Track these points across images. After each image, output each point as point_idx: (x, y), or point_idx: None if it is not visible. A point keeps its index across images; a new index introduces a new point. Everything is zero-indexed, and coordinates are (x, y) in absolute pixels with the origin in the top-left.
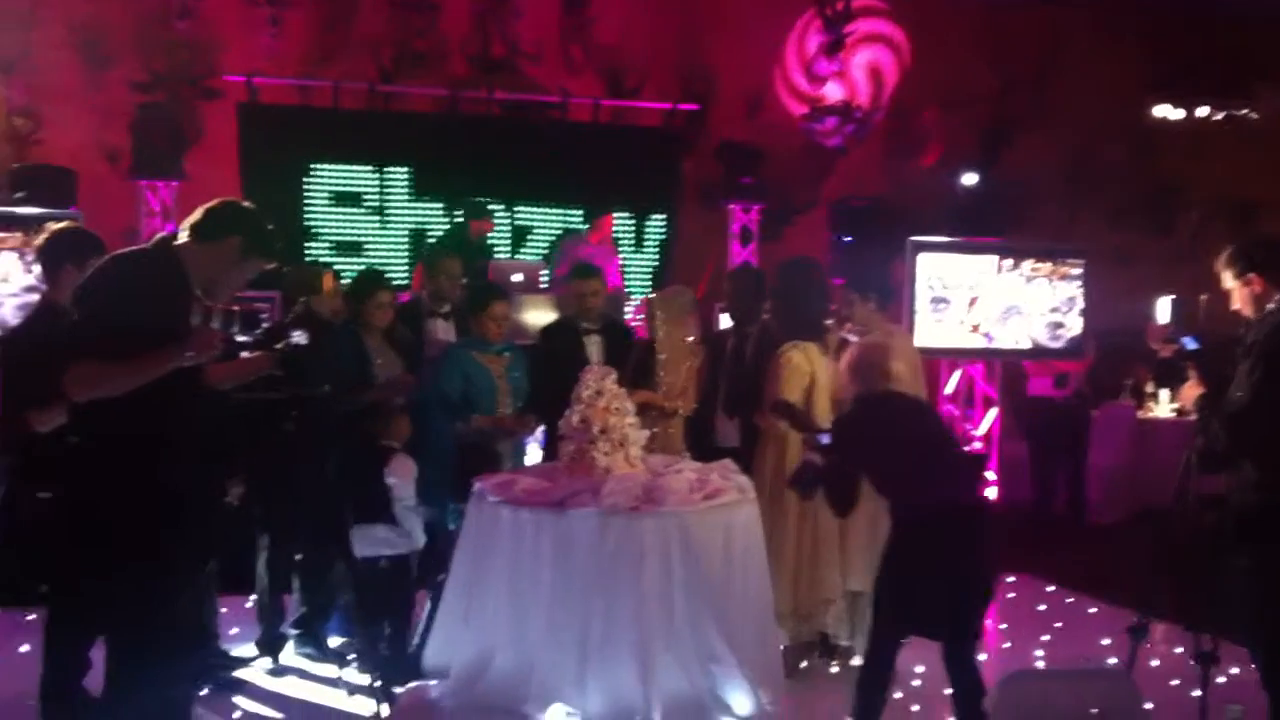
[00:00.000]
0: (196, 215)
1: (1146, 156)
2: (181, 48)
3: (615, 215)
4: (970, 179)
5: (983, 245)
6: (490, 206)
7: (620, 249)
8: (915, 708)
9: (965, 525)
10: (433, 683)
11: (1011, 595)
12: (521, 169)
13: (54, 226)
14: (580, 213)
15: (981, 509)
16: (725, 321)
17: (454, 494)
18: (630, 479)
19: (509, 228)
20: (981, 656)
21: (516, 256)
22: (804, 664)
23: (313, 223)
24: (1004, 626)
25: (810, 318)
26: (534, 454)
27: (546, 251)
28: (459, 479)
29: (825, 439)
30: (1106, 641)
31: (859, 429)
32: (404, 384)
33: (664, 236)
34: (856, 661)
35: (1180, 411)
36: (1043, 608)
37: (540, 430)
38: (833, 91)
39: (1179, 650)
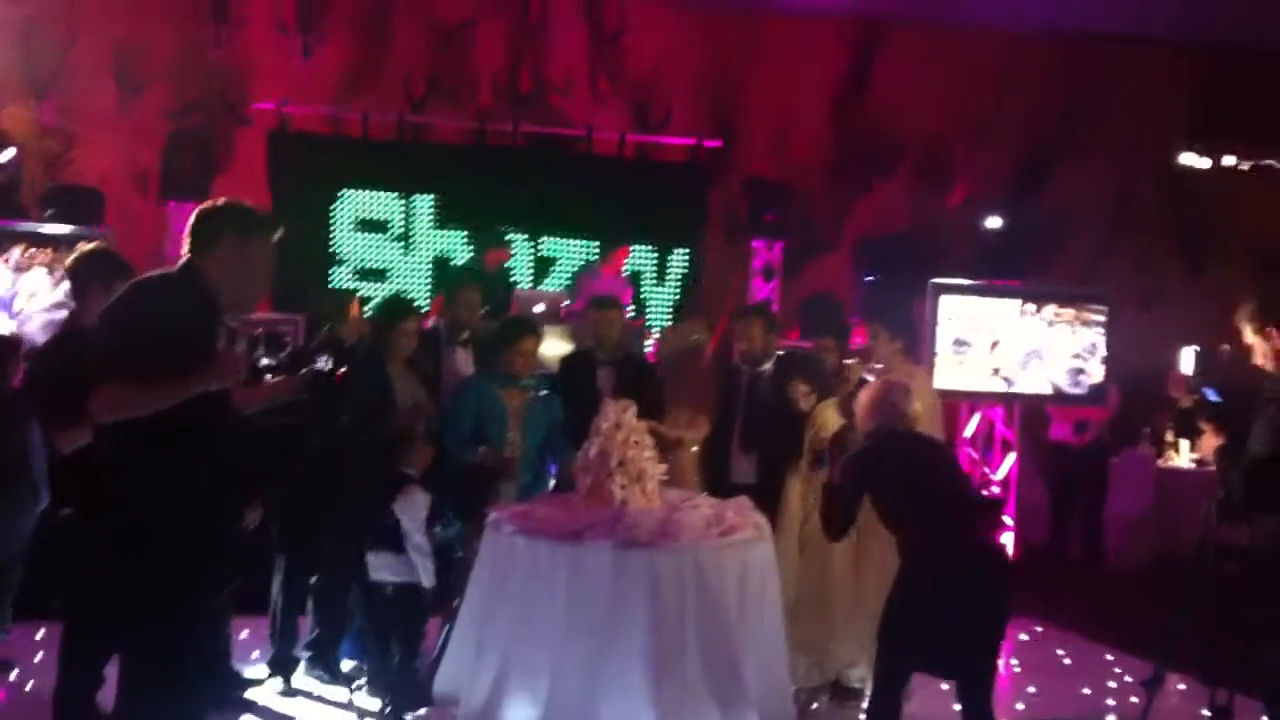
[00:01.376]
0: (186, 239)
1: (1177, 200)
2: (215, 75)
3: (637, 248)
4: (995, 221)
5: (1005, 289)
6: (513, 237)
7: (642, 282)
8: None
9: (974, 565)
10: (444, 709)
11: (1027, 641)
12: (546, 200)
13: (84, 247)
14: (602, 245)
15: (991, 549)
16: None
17: (460, 517)
18: (647, 513)
19: (532, 259)
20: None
21: (539, 287)
22: (815, 705)
23: (339, 249)
24: (1019, 672)
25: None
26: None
27: (569, 283)
28: (464, 503)
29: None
30: (1122, 691)
31: (872, 464)
32: (423, 411)
33: (686, 271)
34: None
35: (1200, 461)
36: (1059, 654)
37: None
38: None
39: (1194, 703)
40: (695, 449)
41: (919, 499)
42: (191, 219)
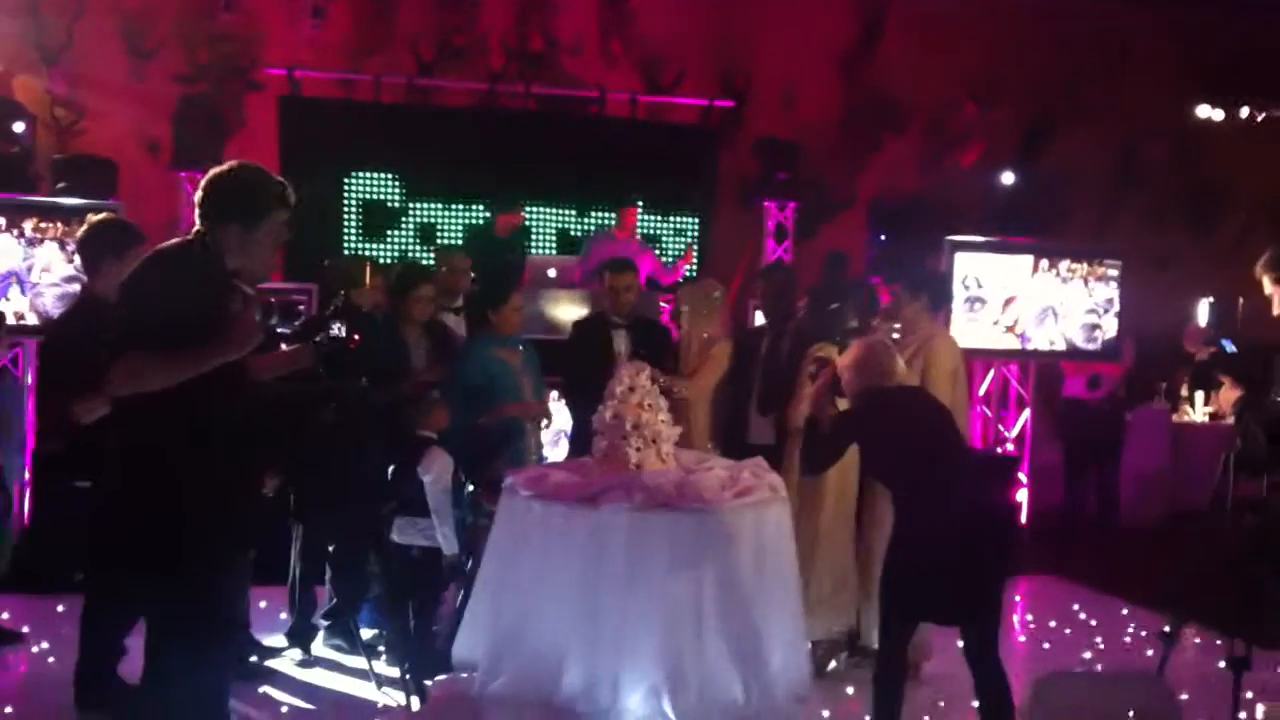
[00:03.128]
0: (197, 210)
1: (1189, 157)
2: (224, 40)
3: (650, 211)
4: (1008, 178)
5: (1019, 245)
6: (527, 202)
7: (654, 245)
8: (941, 703)
9: (967, 517)
10: (463, 675)
11: (1042, 596)
12: (557, 164)
13: (94, 218)
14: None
15: (985, 501)
16: (759, 319)
17: (471, 482)
18: (662, 475)
19: (555, 223)
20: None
21: (550, 252)
22: (833, 664)
23: (351, 216)
24: (1034, 627)
25: (832, 319)
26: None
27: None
28: (471, 469)
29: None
30: (1138, 645)
31: (863, 424)
32: (435, 373)
33: (698, 233)
34: None
35: (1215, 415)
36: (1075, 610)
37: (569, 424)
38: None
39: (1210, 655)
40: (703, 415)
41: (908, 455)
42: (203, 186)
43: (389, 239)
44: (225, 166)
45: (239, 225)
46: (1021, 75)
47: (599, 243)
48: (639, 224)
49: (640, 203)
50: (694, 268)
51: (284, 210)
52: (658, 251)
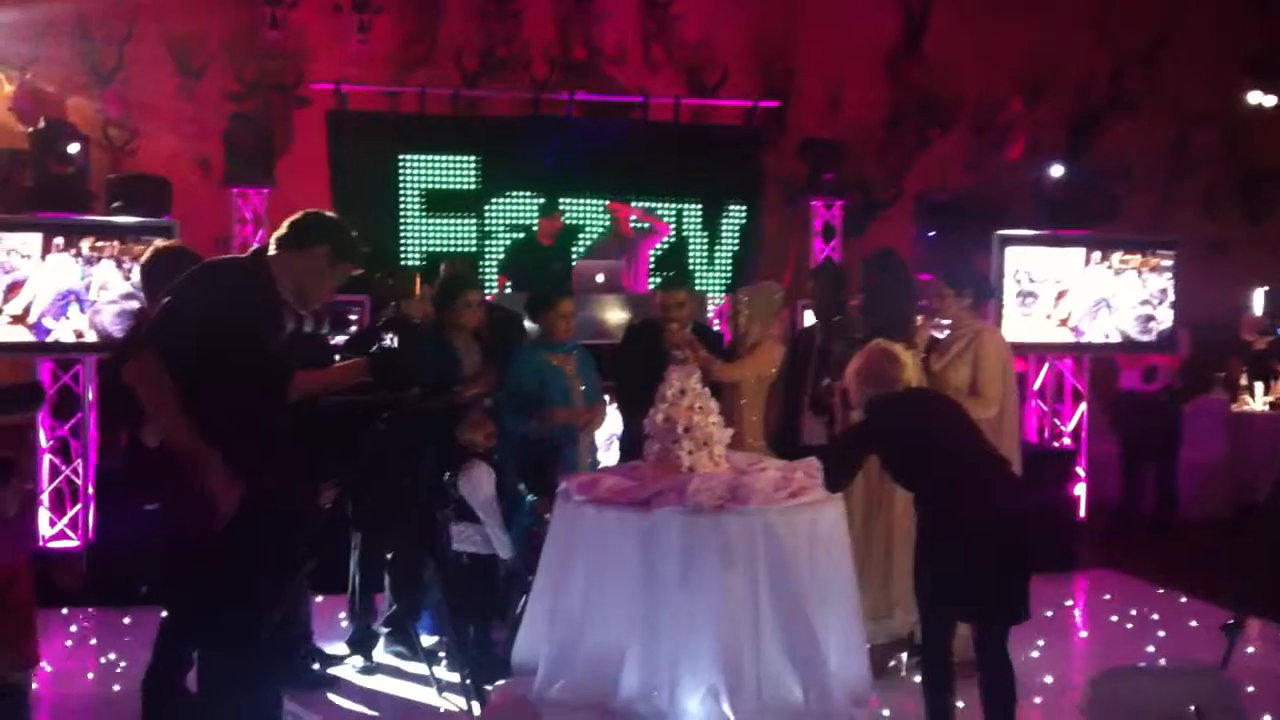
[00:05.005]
0: (282, 229)
1: (1240, 143)
2: (271, 57)
3: (693, 211)
4: (1057, 170)
5: (1070, 238)
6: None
7: (700, 246)
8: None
9: (986, 517)
10: (522, 680)
11: (1101, 590)
12: (603, 169)
13: (159, 244)
14: (670, 208)
15: (1003, 499)
16: (809, 318)
17: (530, 490)
18: (714, 478)
19: (599, 226)
20: (1071, 652)
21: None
22: (892, 663)
23: (403, 227)
24: (1094, 621)
25: (897, 314)
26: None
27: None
28: (529, 476)
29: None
30: (1199, 639)
31: (876, 430)
32: (486, 380)
33: (745, 234)
34: None
35: (1275, 404)
36: (1135, 605)
37: (620, 428)
38: None
39: (1276, 647)
40: (755, 416)
41: (925, 455)
42: (293, 217)
43: (452, 241)
44: (323, 211)
45: (322, 252)
46: (1067, 67)
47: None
48: (687, 225)
49: (632, 200)
50: (732, 268)
51: (356, 265)
52: (703, 253)
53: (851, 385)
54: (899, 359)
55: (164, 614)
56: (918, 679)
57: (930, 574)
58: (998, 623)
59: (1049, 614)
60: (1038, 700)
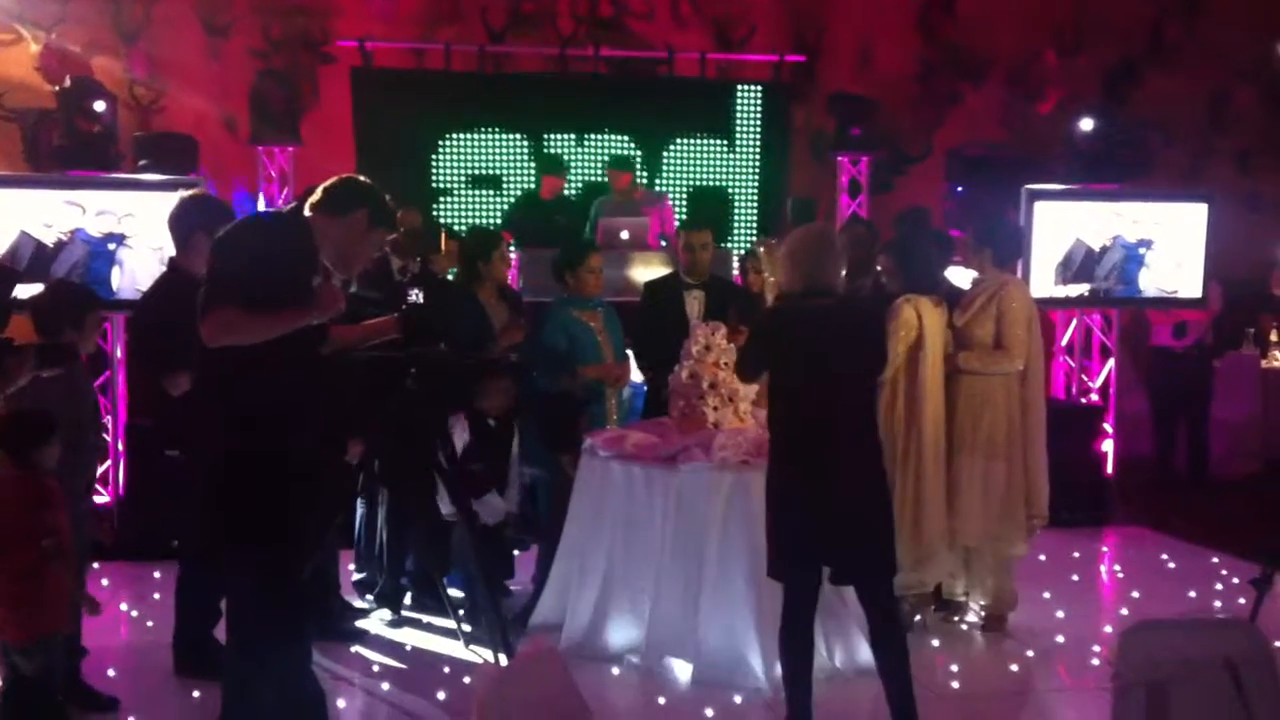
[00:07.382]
0: (317, 195)
1: (1276, 98)
2: (297, 14)
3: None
4: (1088, 124)
5: (1100, 192)
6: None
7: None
8: (1030, 653)
9: (845, 455)
10: (550, 633)
11: (1130, 546)
12: (630, 124)
13: (185, 194)
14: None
15: (862, 440)
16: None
17: (549, 447)
18: (740, 433)
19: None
20: (1102, 608)
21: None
22: (919, 618)
23: (433, 184)
24: (1123, 577)
25: (924, 271)
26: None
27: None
28: (546, 432)
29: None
30: (1230, 594)
31: (776, 328)
32: (514, 335)
33: (771, 189)
34: (972, 617)
35: None
36: (1164, 559)
37: (642, 384)
38: None
39: None
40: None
41: (803, 375)
42: (328, 183)
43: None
44: (361, 176)
45: (360, 217)
46: (1106, 17)
47: (608, 210)
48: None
49: (635, 167)
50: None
51: (391, 232)
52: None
53: (781, 265)
54: (835, 245)
55: (180, 567)
56: (936, 642)
57: (778, 520)
58: (854, 583)
59: (1078, 572)
60: (1067, 654)
